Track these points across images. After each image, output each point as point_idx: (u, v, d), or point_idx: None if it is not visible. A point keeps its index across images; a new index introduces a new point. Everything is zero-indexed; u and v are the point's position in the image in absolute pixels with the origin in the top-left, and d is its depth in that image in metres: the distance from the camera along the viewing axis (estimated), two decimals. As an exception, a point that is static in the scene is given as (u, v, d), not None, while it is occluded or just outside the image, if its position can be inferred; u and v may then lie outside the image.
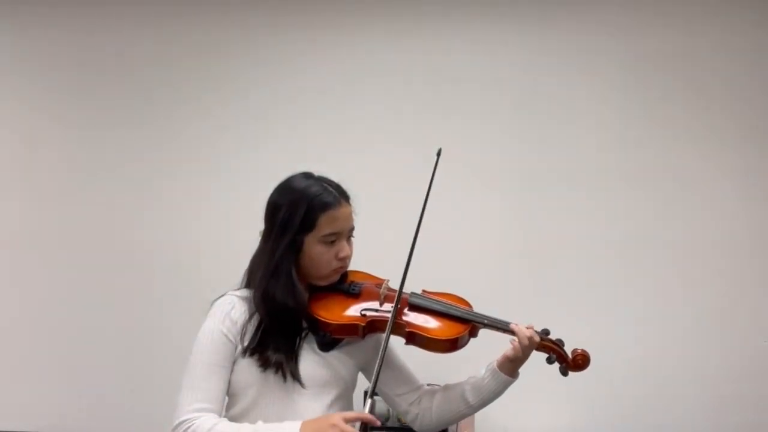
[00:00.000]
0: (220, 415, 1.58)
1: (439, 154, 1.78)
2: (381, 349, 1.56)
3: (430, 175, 1.75)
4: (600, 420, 3.04)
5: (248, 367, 1.62)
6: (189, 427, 1.51)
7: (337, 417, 1.47)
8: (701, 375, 3.00)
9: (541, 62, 3.18)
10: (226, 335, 1.62)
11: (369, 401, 1.48)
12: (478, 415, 2.30)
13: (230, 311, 1.65)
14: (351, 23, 3.32)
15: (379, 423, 1.58)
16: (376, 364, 1.55)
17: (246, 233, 3.23)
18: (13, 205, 3.44)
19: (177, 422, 1.53)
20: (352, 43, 3.31)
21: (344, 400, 1.71)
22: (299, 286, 1.65)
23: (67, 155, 3.42)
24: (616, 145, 3.12)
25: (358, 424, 1.47)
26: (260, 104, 3.33)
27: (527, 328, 1.69)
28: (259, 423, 1.54)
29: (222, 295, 1.72)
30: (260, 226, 3.25)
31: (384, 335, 1.77)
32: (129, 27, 3.43)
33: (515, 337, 1.68)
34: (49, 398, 3.34)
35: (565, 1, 3.18)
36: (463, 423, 2.57)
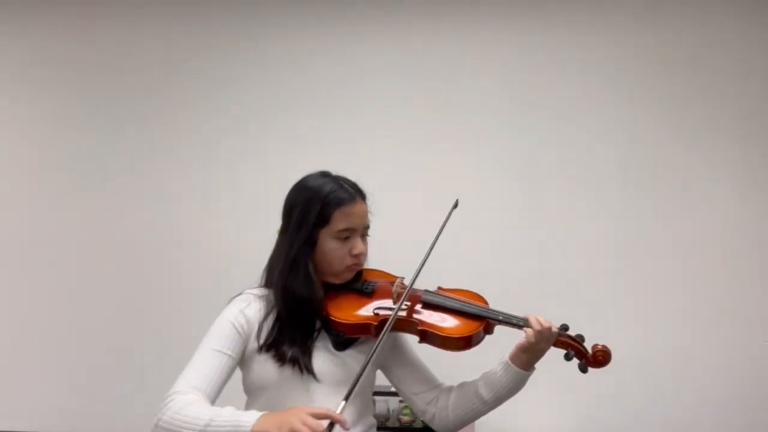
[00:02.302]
0: (210, 399, 1.54)
1: (455, 206, 1.78)
2: (373, 347, 1.50)
3: (444, 220, 1.74)
4: (600, 419, 3.04)
5: (265, 363, 1.62)
6: (173, 399, 1.49)
7: (303, 411, 1.38)
8: (702, 374, 3.00)
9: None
10: (236, 328, 1.62)
11: (343, 403, 1.40)
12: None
13: (245, 308, 1.66)
14: (352, 23, 3.33)
15: (348, 426, 1.46)
16: (364, 361, 1.50)
17: (250, 233, 3.26)
18: (16, 206, 3.43)
19: (168, 393, 1.52)
20: (358, 42, 3.32)
21: (362, 397, 1.70)
22: (316, 281, 1.66)
23: (76, 157, 3.42)
24: (615, 143, 3.13)
25: (326, 422, 1.37)
26: (266, 104, 3.33)
27: (545, 320, 1.65)
28: (228, 407, 1.48)
29: (239, 294, 1.72)
30: (264, 225, 3.26)
31: (400, 333, 1.77)
32: (135, 29, 3.43)
33: (530, 329, 1.63)
34: (49, 398, 3.33)
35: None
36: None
